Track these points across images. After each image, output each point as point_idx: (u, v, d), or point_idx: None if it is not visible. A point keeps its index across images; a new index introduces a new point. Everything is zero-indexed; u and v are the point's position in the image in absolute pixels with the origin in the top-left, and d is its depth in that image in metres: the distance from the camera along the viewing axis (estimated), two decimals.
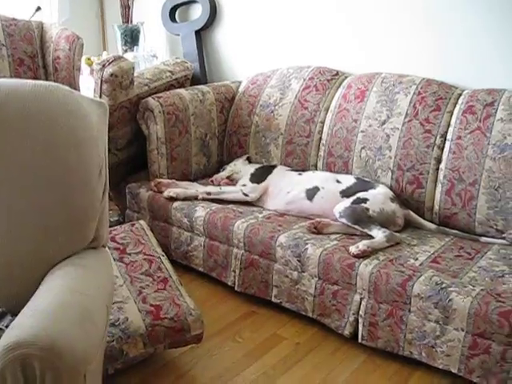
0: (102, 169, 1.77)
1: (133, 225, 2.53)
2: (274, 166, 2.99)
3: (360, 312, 2.34)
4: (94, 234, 1.78)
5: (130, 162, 3.14)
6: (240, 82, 3.39)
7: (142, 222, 2.55)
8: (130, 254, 2.39)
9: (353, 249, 2.38)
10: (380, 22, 3.00)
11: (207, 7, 3.49)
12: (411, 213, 2.66)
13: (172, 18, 3.70)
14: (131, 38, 3.47)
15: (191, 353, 2.37)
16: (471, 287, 2.13)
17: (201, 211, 2.77)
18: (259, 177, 2.91)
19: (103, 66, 2.76)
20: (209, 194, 2.86)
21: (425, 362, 2.21)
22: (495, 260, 2.35)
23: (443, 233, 2.59)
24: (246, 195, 2.86)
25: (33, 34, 2.99)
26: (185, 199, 2.86)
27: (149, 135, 2.99)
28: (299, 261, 2.46)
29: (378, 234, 2.46)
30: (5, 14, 3.03)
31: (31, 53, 2.97)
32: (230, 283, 2.72)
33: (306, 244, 2.46)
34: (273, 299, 2.59)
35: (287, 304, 2.54)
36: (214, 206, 2.81)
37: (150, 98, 2.96)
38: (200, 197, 2.85)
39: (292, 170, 2.94)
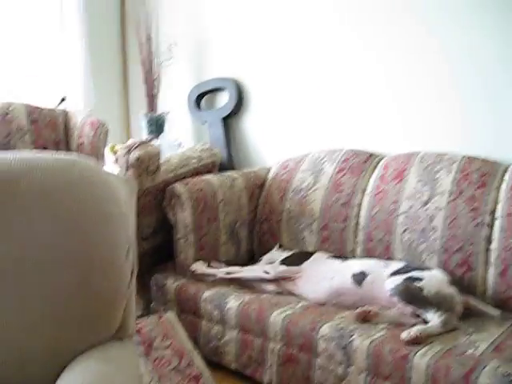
0: (129, 249, 1.55)
1: (160, 317, 2.29)
2: (311, 253, 2.73)
3: None
4: (119, 323, 1.55)
5: (156, 252, 2.91)
6: (269, 169, 3.20)
7: (169, 313, 2.30)
8: (157, 349, 2.14)
9: (404, 335, 2.08)
10: (413, 101, 2.84)
11: (234, 94, 3.38)
12: (471, 300, 2.35)
13: (197, 106, 3.59)
14: (156, 126, 3.34)
15: None
16: None
17: (233, 302, 2.50)
18: (293, 261, 2.66)
19: (129, 150, 2.60)
20: (229, 273, 2.66)
21: None
22: None
23: (507, 318, 2.27)
24: (266, 273, 2.62)
25: (57, 120, 2.87)
26: (202, 277, 2.67)
27: (176, 223, 2.78)
28: (345, 354, 2.17)
29: (434, 318, 2.16)
30: (30, 103, 2.92)
31: (55, 139, 2.84)
32: (266, 381, 2.40)
33: (352, 335, 2.17)
34: None
35: None
36: (248, 296, 2.54)
37: (176, 184, 2.78)
38: (219, 275, 2.65)
39: (332, 257, 2.69)
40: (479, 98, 2.67)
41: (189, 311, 2.65)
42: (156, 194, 2.79)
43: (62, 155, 1.59)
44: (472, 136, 2.69)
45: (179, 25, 3.67)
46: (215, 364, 2.58)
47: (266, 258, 2.84)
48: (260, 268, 2.68)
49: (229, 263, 2.87)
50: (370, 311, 2.28)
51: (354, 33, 3.03)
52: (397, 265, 2.46)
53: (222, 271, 2.69)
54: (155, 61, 3.53)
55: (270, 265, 2.68)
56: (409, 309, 2.25)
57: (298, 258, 2.69)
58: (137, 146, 2.64)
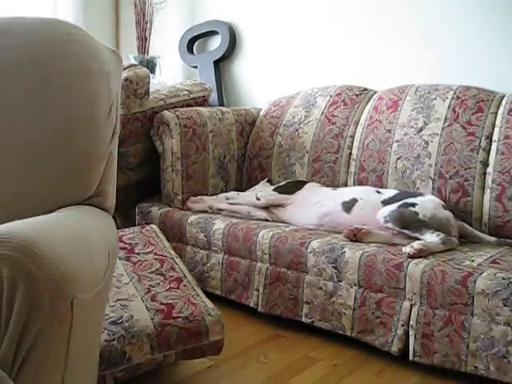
0: (112, 108, 1.41)
1: (143, 227, 2.12)
2: (304, 182, 2.58)
3: (411, 322, 1.87)
4: (96, 186, 1.39)
5: (141, 185, 2.75)
6: (261, 109, 3.04)
7: (153, 225, 2.14)
8: (138, 254, 1.97)
9: (407, 249, 1.95)
10: (405, 35, 2.72)
11: (226, 36, 3.24)
12: (466, 225, 2.22)
13: (190, 50, 3.44)
14: (148, 69, 3.18)
15: (208, 372, 1.88)
16: None
17: (220, 223, 2.35)
18: (285, 189, 2.50)
19: None
20: (227, 198, 2.53)
21: (494, 377, 1.73)
22: None
23: (505, 245, 2.12)
24: (257, 199, 2.47)
25: None
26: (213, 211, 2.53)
27: (163, 151, 2.61)
28: (335, 267, 2.02)
29: (433, 237, 2.02)
30: None
31: None
32: (252, 304, 2.24)
33: (343, 248, 2.03)
34: (303, 319, 2.11)
35: (320, 323, 2.07)
36: (235, 219, 2.40)
37: (165, 111, 2.62)
38: (218, 205, 2.53)
39: (325, 186, 2.54)
40: (474, 32, 2.54)
41: (174, 238, 2.49)
42: (144, 121, 2.63)
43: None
44: (468, 68, 2.55)
45: None
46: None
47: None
48: (253, 193, 2.53)
49: None
50: (360, 229, 2.15)
51: None
52: (390, 192, 2.32)
53: (221, 197, 2.57)
54: (148, 3, 3.39)
55: (262, 192, 2.53)
56: (404, 233, 2.10)
57: (292, 187, 2.53)
58: (125, 68, 2.49)
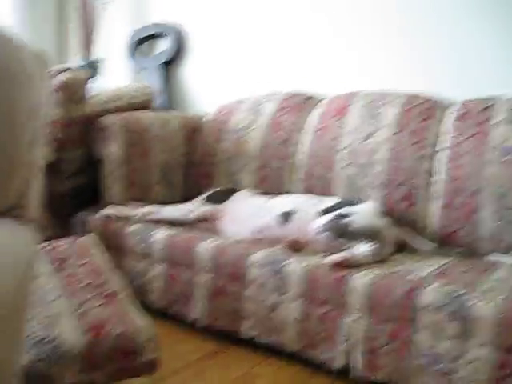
0: (33, 112, 1.28)
1: (79, 237, 1.98)
2: (234, 190, 2.46)
3: (355, 337, 1.77)
4: (16, 197, 1.27)
5: (81, 193, 2.58)
6: (207, 113, 2.91)
7: (91, 234, 2.00)
8: (71, 266, 1.83)
9: (329, 258, 1.86)
10: (353, 41, 2.65)
11: (174, 40, 3.11)
12: (408, 231, 2.15)
13: (136, 52, 3.29)
14: (91, 72, 3.02)
15: None
16: (492, 294, 1.62)
17: (160, 234, 2.22)
18: (214, 200, 2.39)
19: (55, 74, 2.31)
20: (149, 213, 2.35)
21: None
22: (511, 274, 1.84)
23: (444, 254, 2.06)
24: (188, 212, 2.35)
25: None
26: (119, 218, 2.36)
27: (104, 157, 2.46)
28: (277, 280, 1.90)
29: (363, 248, 1.93)
30: None
31: None
32: (192, 318, 2.12)
33: (286, 260, 1.92)
34: (245, 334, 2.00)
35: (263, 338, 1.96)
36: (175, 229, 2.26)
37: (107, 115, 2.48)
38: (137, 217, 2.34)
39: (260, 194, 2.42)
40: (422, 39, 2.48)
41: (113, 248, 2.29)
42: (83, 126, 2.47)
43: None
44: (416, 76, 2.47)
45: None
46: (140, 304, 2.29)
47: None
48: (182, 207, 2.39)
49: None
50: (299, 240, 2.04)
51: None
52: (331, 201, 2.22)
53: (139, 212, 2.37)
54: (94, 4, 3.23)
55: (191, 205, 2.40)
56: (337, 243, 2.00)
57: (220, 197, 2.41)
58: (64, 71, 2.35)
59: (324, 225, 2.05)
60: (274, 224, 2.19)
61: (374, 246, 1.94)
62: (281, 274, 1.90)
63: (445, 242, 2.15)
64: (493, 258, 2.02)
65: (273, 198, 2.33)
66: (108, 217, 2.37)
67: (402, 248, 2.11)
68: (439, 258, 2.01)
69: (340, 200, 2.24)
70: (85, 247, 1.93)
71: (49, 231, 2.27)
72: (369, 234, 2.01)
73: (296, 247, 2.02)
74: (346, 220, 2.04)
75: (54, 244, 1.91)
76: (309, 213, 2.17)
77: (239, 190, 2.47)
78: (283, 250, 2.01)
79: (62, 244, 1.93)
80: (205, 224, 2.34)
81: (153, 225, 2.31)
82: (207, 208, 2.36)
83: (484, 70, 2.37)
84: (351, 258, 1.87)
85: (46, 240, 1.86)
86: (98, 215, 2.39)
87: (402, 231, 2.16)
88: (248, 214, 2.28)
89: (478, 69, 2.38)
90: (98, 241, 2.01)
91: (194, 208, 2.37)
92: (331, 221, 2.05)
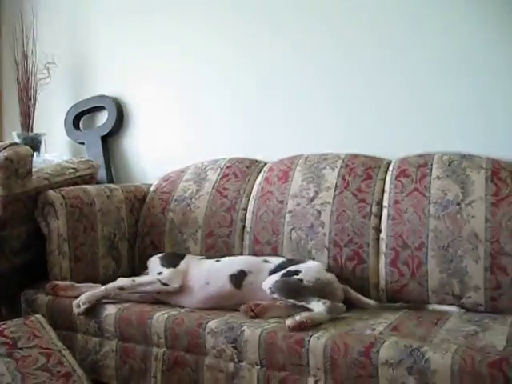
0: None
1: (27, 318, 1.91)
2: (181, 255, 2.41)
3: None
4: None
5: (27, 270, 2.50)
6: (151, 184, 2.91)
7: (38, 315, 1.94)
8: (21, 349, 1.76)
9: (289, 321, 1.84)
10: (292, 108, 2.76)
11: (113, 112, 3.13)
12: (349, 288, 2.18)
13: (76, 125, 3.31)
14: (32, 147, 2.97)
15: None
16: (446, 345, 1.65)
17: (111, 308, 2.16)
18: (171, 260, 2.33)
19: None
20: (122, 288, 2.23)
21: None
22: (461, 323, 1.89)
23: (386, 308, 2.11)
24: (165, 284, 2.24)
25: None
26: (97, 301, 2.21)
27: (49, 233, 2.41)
28: (235, 347, 1.87)
29: (318, 305, 1.94)
30: None
31: None
32: None
33: (242, 326, 1.90)
34: None
35: None
36: (126, 303, 2.19)
37: (50, 191, 2.43)
38: (112, 294, 2.23)
39: (205, 258, 2.40)
40: (357, 102, 2.61)
41: (63, 326, 2.24)
42: (27, 202, 2.42)
43: None
44: (354, 137, 2.59)
45: (58, 42, 3.41)
46: (94, 382, 2.20)
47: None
48: (155, 279, 2.24)
49: (108, 281, 2.53)
50: (258, 304, 2.02)
51: (229, 42, 2.92)
52: (277, 260, 2.25)
53: (112, 288, 2.23)
54: (32, 79, 3.25)
55: (161, 274, 2.26)
56: (291, 302, 2.01)
57: (173, 258, 2.37)
58: (6, 147, 2.31)
59: (274, 284, 2.06)
60: (227, 288, 2.17)
61: (327, 304, 1.95)
62: (238, 341, 1.88)
63: (395, 298, 2.19)
64: (437, 307, 2.09)
65: (220, 261, 2.31)
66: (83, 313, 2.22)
67: (347, 302, 2.12)
68: (389, 313, 2.04)
69: (285, 259, 2.26)
70: (34, 328, 1.87)
71: None
72: (320, 290, 2.04)
73: (256, 312, 1.99)
74: (297, 277, 2.06)
75: (2, 326, 1.84)
76: (260, 274, 2.18)
77: (185, 256, 2.42)
78: (243, 317, 1.98)
79: (11, 326, 1.86)
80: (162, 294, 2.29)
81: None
82: (178, 274, 2.27)
83: (415, 130, 2.50)
84: (308, 318, 1.87)
85: None
86: (74, 311, 2.21)
87: (347, 287, 2.19)
88: (198, 281, 2.23)
89: (409, 129, 2.50)
90: (46, 321, 1.94)
91: (168, 277, 2.25)
92: (282, 279, 2.07)
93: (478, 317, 1.98)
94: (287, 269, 2.12)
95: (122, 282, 2.27)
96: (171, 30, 3.10)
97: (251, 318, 1.99)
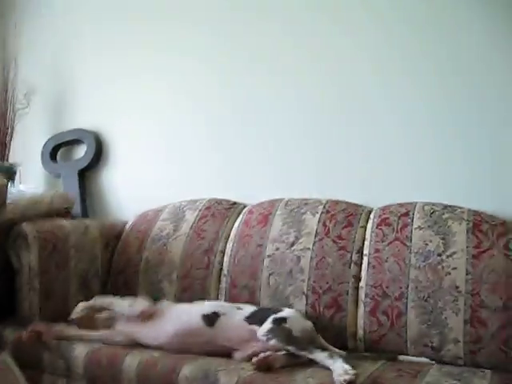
0: None
1: None
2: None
3: None
4: None
5: None
6: (127, 221, 2.85)
7: (4, 354, 1.85)
8: None
9: (341, 377, 1.73)
10: (271, 149, 2.74)
11: (92, 146, 3.08)
12: (320, 337, 2.11)
13: (53, 157, 3.24)
14: (7, 176, 2.90)
15: None
16: None
17: (81, 349, 2.07)
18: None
19: None
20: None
21: None
22: (441, 376, 1.84)
23: (356, 357, 2.02)
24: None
25: None
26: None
27: (20, 267, 2.33)
28: None
29: (330, 359, 1.84)
30: None
31: None
32: None
33: (217, 373, 1.82)
34: None
35: None
36: (97, 344, 2.11)
37: (23, 223, 2.36)
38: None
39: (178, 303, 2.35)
40: (343, 144, 2.59)
41: (29, 365, 2.14)
42: None
43: None
44: (336, 182, 2.57)
45: (39, 72, 3.36)
46: None
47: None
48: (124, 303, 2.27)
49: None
50: (268, 356, 1.90)
51: (211, 78, 2.91)
52: (249, 308, 2.19)
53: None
54: (10, 108, 3.19)
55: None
56: (291, 350, 1.93)
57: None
58: None
59: (269, 331, 1.99)
60: (198, 325, 2.10)
61: (334, 354, 1.89)
62: None
63: (373, 348, 2.14)
64: (409, 358, 2.04)
65: (192, 304, 2.25)
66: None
67: None
68: (367, 363, 1.97)
69: (257, 308, 2.20)
70: (1, 370, 1.78)
71: None
72: (307, 338, 2.00)
73: (269, 364, 1.88)
74: (286, 326, 2.00)
75: None
76: (234, 318, 2.12)
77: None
78: (216, 363, 1.91)
79: None
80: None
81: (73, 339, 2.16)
82: (149, 305, 2.24)
83: (397, 178, 2.49)
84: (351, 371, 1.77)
85: None
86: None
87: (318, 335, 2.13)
88: (166, 319, 2.17)
89: (392, 177, 2.49)
90: (12, 361, 1.85)
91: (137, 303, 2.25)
92: (275, 327, 2.00)
93: (457, 370, 1.93)
94: (273, 316, 2.05)
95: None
96: (153, 66, 3.07)
97: (262, 371, 1.86)
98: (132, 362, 1.97)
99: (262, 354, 1.93)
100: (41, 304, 2.35)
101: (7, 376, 1.77)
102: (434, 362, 2.03)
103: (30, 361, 2.16)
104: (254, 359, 1.91)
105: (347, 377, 1.74)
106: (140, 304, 2.24)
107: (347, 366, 1.80)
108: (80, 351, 2.07)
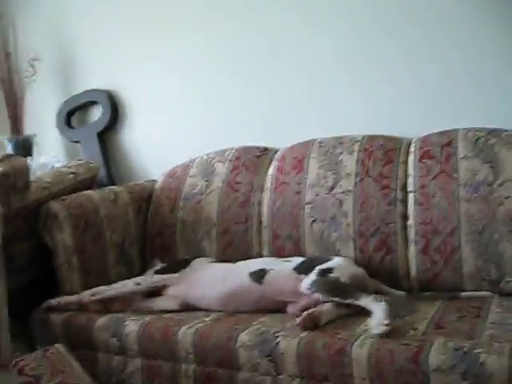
0: None
1: (46, 350, 1.78)
2: (190, 260, 2.32)
3: None
4: None
5: (37, 286, 2.37)
6: (155, 180, 2.76)
7: (58, 345, 1.81)
8: None
9: (379, 329, 1.70)
10: (298, 85, 2.60)
11: (108, 106, 2.95)
12: (376, 281, 2.08)
13: (69, 123, 3.12)
14: (24, 150, 2.86)
15: None
16: (498, 344, 1.53)
17: (132, 325, 2.02)
18: (168, 269, 2.27)
19: None
20: (94, 294, 2.18)
21: None
22: (504, 313, 1.78)
23: (415, 298, 2.01)
24: (137, 284, 2.20)
25: None
26: (67, 308, 2.18)
27: (55, 247, 2.27)
28: (271, 361, 1.75)
29: (374, 303, 1.81)
30: None
31: None
32: None
33: (277, 337, 1.78)
34: None
35: None
36: (148, 317, 2.07)
37: (51, 202, 2.28)
38: (85, 300, 2.17)
39: (217, 261, 2.31)
40: (373, 79, 2.45)
41: (81, 345, 2.12)
42: (28, 216, 2.27)
43: None
44: (370, 116, 2.44)
45: (41, 37, 3.17)
46: None
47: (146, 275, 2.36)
48: (131, 281, 2.23)
49: None
50: (312, 312, 1.84)
51: (236, 21, 2.72)
52: (297, 260, 2.14)
53: (86, 294, 2.20)
54: (17, 78, 3.06)
55: (141, 276, 2.27)
56: (337, 301, 1.88)
57: (175, 266, 2.29)
58: (0, 160, 2.16)
59: (313, 284, 1.94)
60: (246, 283, 2.07)
61: (378, 297, 1.85)
62: (274, 353, 1.76)
63: (427, 287, 2.08)
64: (470, 294, 1.99)
65: (236, 263, 2.22)
66: (51, 308, 2.20)
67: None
68: (423, 305, 1.92)
69: (305, 258, 2.15)
70: (55, 361, 1.74)
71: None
72: (357, 284, 1.94)
73: (315, 321, 1.82)
74: (333, 275, 1.95)
75: (21, 363, 1.71)
76: (283, 271, 2.07)
77: (193, 260, 2.32)
78: (302, 330, 1.80)
79: (31, 361, 1.73)
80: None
81: (123, 315, 2.10)
82: (158, 278, 2.22)
83: (432, 104, 2.35)
84: (387, 321, 1.71)
85: None
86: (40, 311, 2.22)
87: (372, 280, 2.09)
88: (213, 278, 2.14)
89: (427, 104, 2.36)
90: (66, 351, 1.81)
91: (143, 280, 2.22)
92: (319, 279, 1.95)
93: None
94: (319, 267, 2.00)
95: (95, 289, 2.22)
96: (167, 12, 2.87)
97: (309, 329, 1.80)
98: (187, 332, 1.92)
99: (305, 313, 1.86)
100: (82, 281, 2.30)
101: (63, 365, 1.74)
102: (494, 294, 1.99)
103: (83, 342, 2.12)
104: (298, 319, 1.85)
105: (382, 328, 1.70)
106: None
107: (383, 316, 1.74)
108: (131, 327, 2.02)
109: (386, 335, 1.67)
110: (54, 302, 2.23)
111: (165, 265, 2.38)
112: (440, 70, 2.35)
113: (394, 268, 2.13)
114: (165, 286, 2.21)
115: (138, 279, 2.25)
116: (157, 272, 2.30)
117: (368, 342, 1.67)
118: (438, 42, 2.35)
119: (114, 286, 2.25)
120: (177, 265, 2.32)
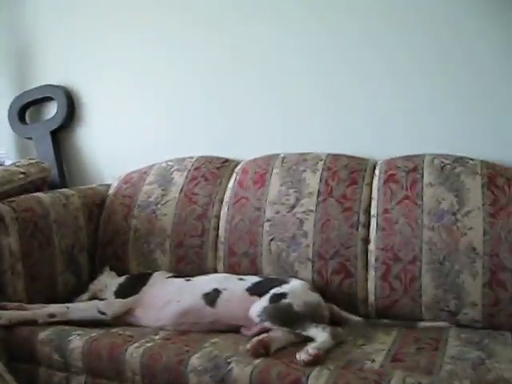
0: None
1: None
2: (149, 274, 2.24)
3: None
4: None
5: None
6: (110, 185, 2.65)
7: None
8: None
9: (302, 356, 1.66)
10: (264, 97, 2.52)
11: (64, 103, 2.82)
12: (333, 306, 2.02)
13: (21, 119, 2.97)
14: None
15: None
16: (458, 382, 1.50)
17: (77, 340, 1.91)
18: (129, 289, 2.15)
19: None
20: (52, 316, 2.03)
21: None
22: (463, 346, 1.76)
23: (373, 325, 1.98)
24: (102, 313, 2.06)
25: None
26: (21, 324, 2.00)
27: (0, 252, 2.15)
28: None
29: (321, 334, 1.76)
30: None
31: None
32: None
33: (229, 363, 1.70)
34: None
35: None
36: (95, 331, 1.96)
37: None
38: (40, 321, 2.02)
39: (174, 277, 2.22)
40: (342, 97, 2.40)
41: (22, 358, 2.00)
42: None
43: None
44: (337, 134, 2.39)
45: None
46: None
47: (91, 286, 2.27)
48: (93, 306, 2.09)
49: (68, 297, 2.29)
50: (262, 339, 1.78)
51: (202, 31, 2.62)
52: (253, 279, 2.08)
53: (42, 315, 2.04)
54: None
55: (103, 301, 2.11)
56: (286, 330, 1.83)
57: (135, 284, 2.18)
58: None
59: (263, 311, 1.87)
60: (199, 306, 2.00)
61: (328, 329, 1.78)
62: (225, 380, 1.67)
63: (385, 313, 2.04)
64: (427, 324, 1.97)
65: (192, 280, 2.14)
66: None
67: (331, 320, 1.97)
68: (381, 333, 1.89)
69: (262, 278, 2.09)
70: None
71: None
72: (310, 312, 1.88)
73: (265, 348, 1.76)
74: (286, 301, 1.89)
75: None
76: (236, 292, 2.01)
77: (153, 274, 2.24)
78: (251, 357, 1.73)
79: None
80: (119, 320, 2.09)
81: (69, 328, 1.99)
82: (121, 304, 2.09)
83: (400, 128, 2.31)
84: (321, 349, 1.69)
85: None
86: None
87: (331, 305, 2.03)
88: (167, 298, 2.06)
89: (394, 126, 2.32)
90: (2, 367, 1.69)
91: (107, 308, 2.07)
92: (270, 306, 1.88)
93: (476, 336, 1.85)
94: (273, 291, 1.94)
95: (53, 308, 2.08)
96: (127, 10, 2.76)
97: (261, 356, 1.73)
98: (134, 353, 1.81)
99: (254, 339, 1.79)
100: (26, 287, 2.18)
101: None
102: (452, 325, 1.96)
103: (24, 355, 1.99)
104: (248, 345, 1.78)
105: (303, 356, 1.66)
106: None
107: (315, 345, 1.70)
108: (76, 343, 1.90)
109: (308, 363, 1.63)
110: (5, 316, 2.01)
111: (123, 280, 2.25)
112: (407, 95, 2.31)
113: (353, 293, 2.08)
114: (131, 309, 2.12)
115: (102, 306, 2.09)
116: (117, 292, 2.17)
117: (325, 374, 1.61)
118: (403, 68, 2.30)
119: (74, 308, 2.10)
120: (136, 281, 2.22)
